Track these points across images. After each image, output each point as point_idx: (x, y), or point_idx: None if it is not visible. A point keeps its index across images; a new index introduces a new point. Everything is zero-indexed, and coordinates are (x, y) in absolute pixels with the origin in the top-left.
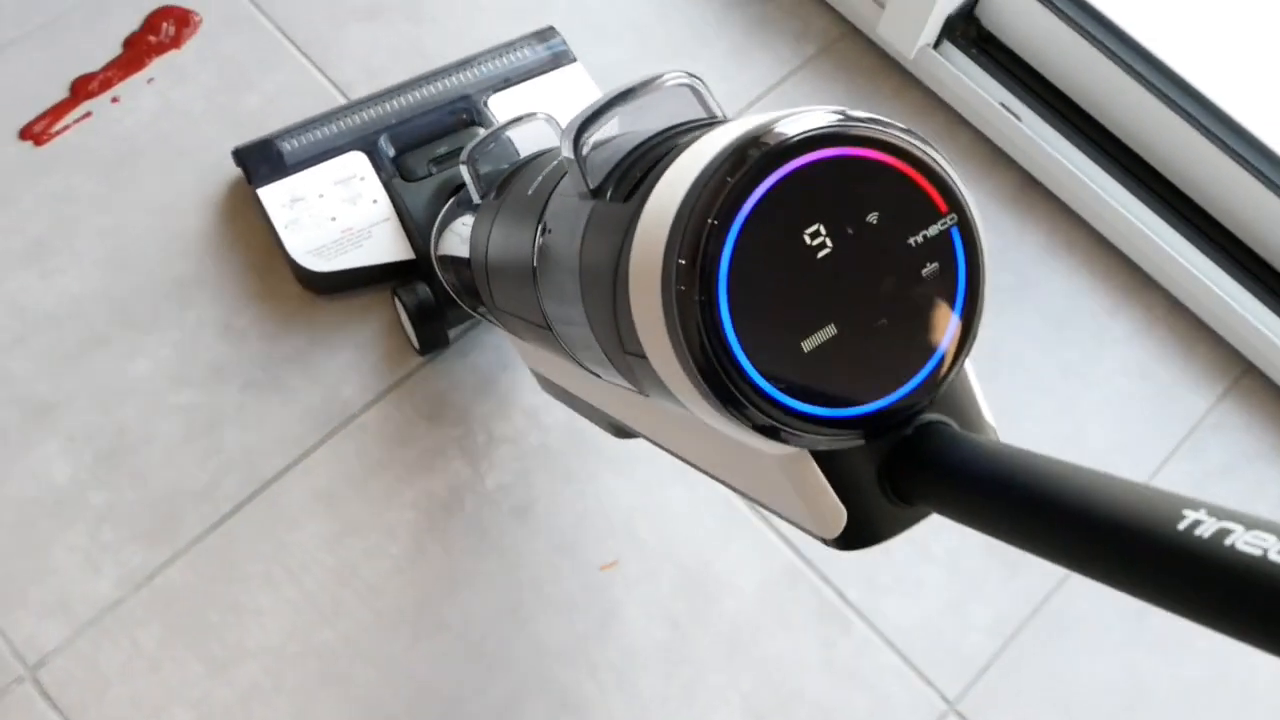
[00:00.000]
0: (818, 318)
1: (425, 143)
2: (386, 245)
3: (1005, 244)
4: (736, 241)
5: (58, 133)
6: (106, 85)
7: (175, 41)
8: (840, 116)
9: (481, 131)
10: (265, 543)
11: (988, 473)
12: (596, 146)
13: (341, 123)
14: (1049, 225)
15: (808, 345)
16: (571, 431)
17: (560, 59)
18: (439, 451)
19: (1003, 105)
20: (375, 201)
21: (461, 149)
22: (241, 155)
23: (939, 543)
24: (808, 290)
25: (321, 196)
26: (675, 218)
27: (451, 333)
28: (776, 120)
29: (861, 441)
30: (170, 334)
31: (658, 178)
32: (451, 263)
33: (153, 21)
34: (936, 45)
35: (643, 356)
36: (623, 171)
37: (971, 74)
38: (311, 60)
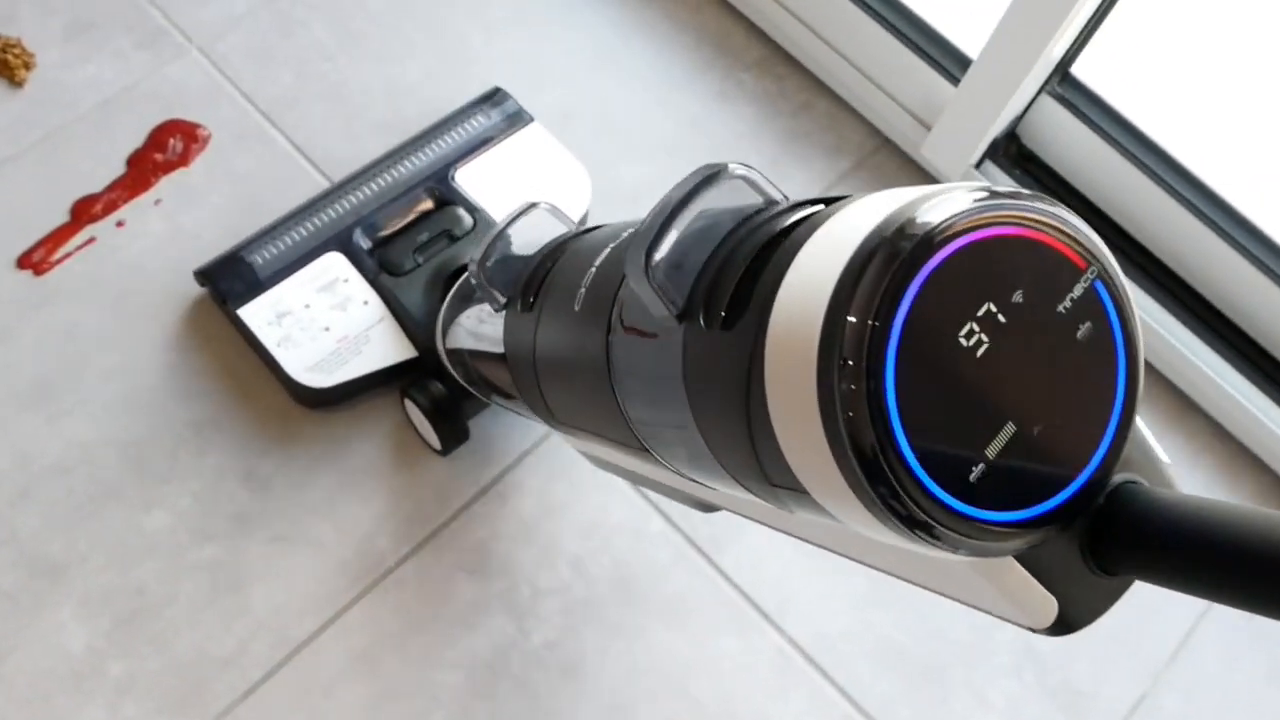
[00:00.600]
0: (994, 419)
1: (400, 231)
2: (387, 347)
3: None
4: (899, 347)
5: (59, 261)
6: (111, 208)
7: (183, 159)
8: (987, 196)
9: (462, 213)
10: (299, 713)
11: (1192, 531)
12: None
13: (309, 223)
14: None
15: (992, 451)
16: (617, 581)
17: (516, 120)
18: (482, 607)
19: None
20: (366, 303)
21: (443, 232)
22: (208, 275)
23: (995, 688)
24: (975, 391)
25: (308, 307)
26: (824, 332)
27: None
28: (914, 205)
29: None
30: (190, 483)
31: (771, 291)
32: (465, 356)
33: (158, 137)
34: (979, 165)
35: (798, 490)
36: (710, 287)
37: None
38: (328, 177)
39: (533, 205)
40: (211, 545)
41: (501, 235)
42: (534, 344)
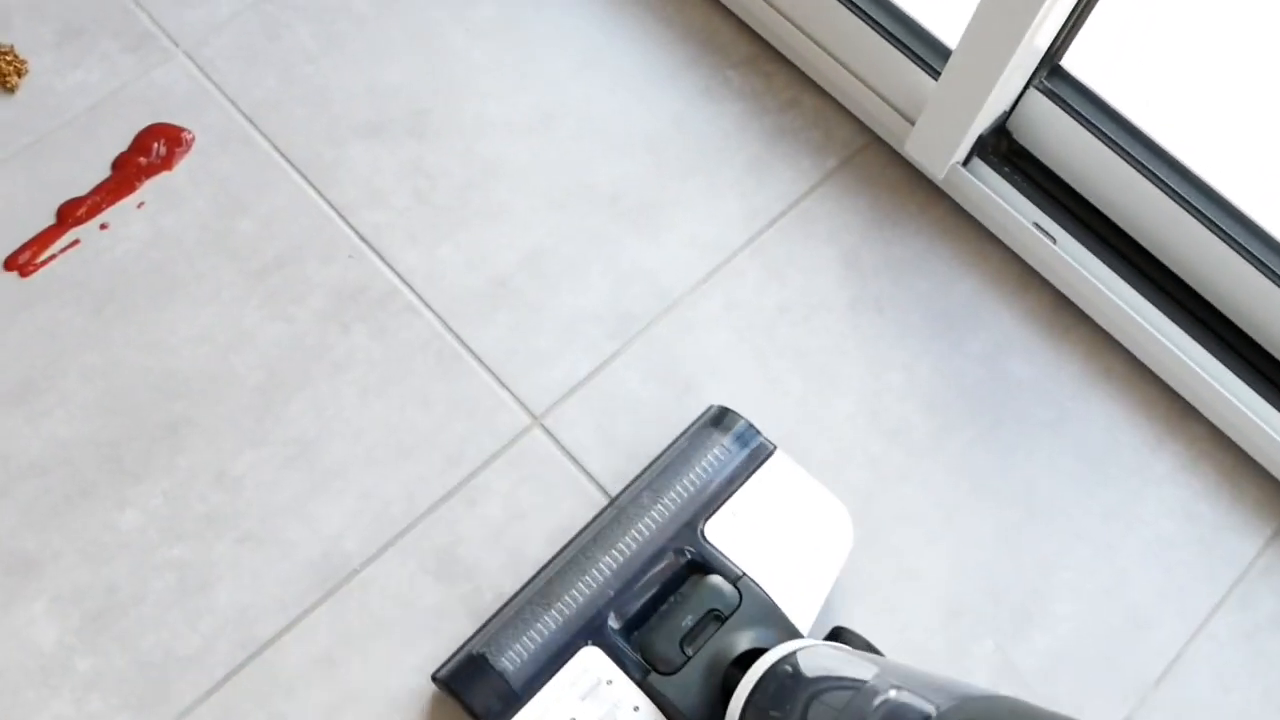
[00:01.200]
0: None
1: (654, 605)
2: None
3: (1040, 373)
4: None
5: (44, 263)
6: (95, 211)
7: (166, 162)
8: None
9: (723, 584)
10: (260, 712)
11: None
12: None
13: (556, 611)
14: (1085, 350)
15: None
16: None
17: (759, 452)
18: (445, 613)
19: (1036, 225)
20: (637, 709)
21: (709, 612)
22: (452, 685)
23: None
24: None
25: None
26: None
27: None
28: None
29: None
30: (161, 482)
31: None
32: None
33: (142, 141)
34: (966, 162)
35: None
36: None
37: (1003, 192)
38: (309, 181)
39: (812, 646)
40: (180, 545)
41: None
42: None
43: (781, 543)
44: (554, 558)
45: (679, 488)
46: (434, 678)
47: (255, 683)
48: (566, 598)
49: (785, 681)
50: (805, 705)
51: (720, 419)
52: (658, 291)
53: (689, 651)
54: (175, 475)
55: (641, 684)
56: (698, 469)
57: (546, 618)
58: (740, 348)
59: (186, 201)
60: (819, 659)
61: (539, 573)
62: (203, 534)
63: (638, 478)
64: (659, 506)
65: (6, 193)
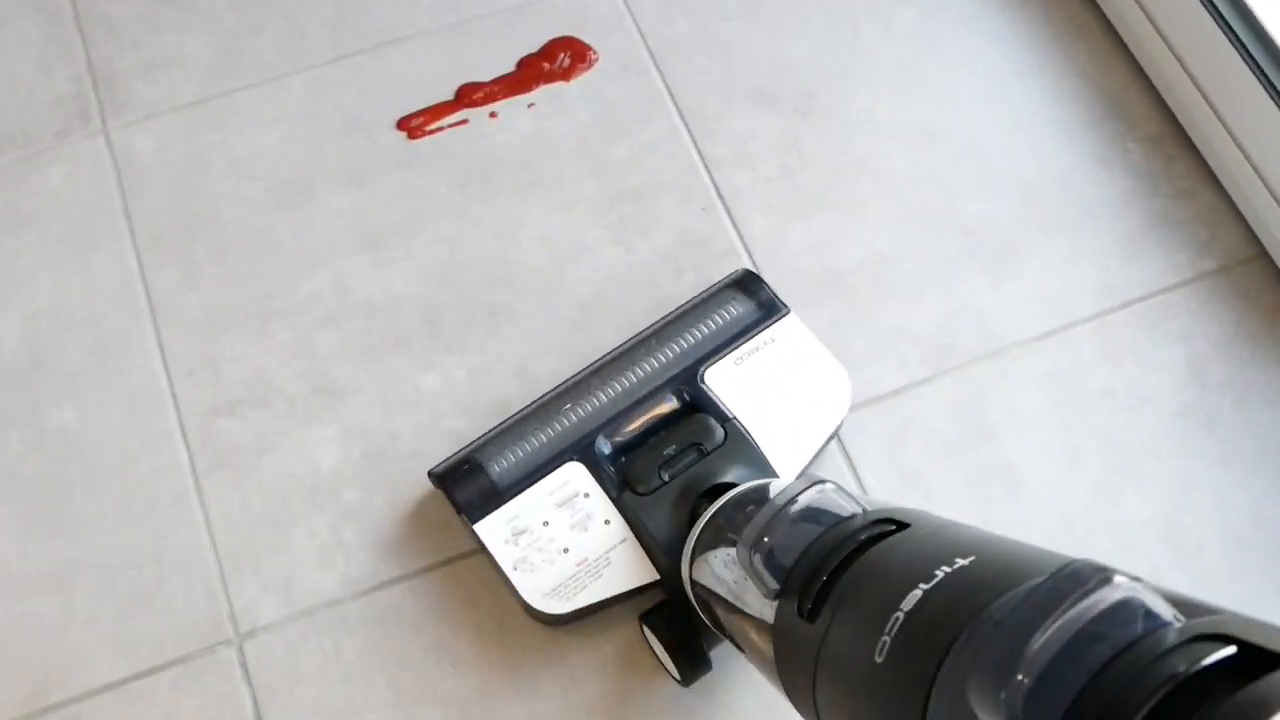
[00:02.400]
0: None
1: (644, 438)
2: (628, 571)
3: None
4: None
5: (431, 131)
6: (490, 99)
7: (566, 74)
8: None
9: (713, 424)
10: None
11: None
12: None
13: (550, 428)
14: None
15: None
16: None
17: (772, 311)
18: None
19: None
20: (608, 522)
21: (692, 445)
22: (444, 481)
23: None
24: None
25: (546, 524)
26: None
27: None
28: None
29: None
30: (469, 358)
31: None
32: (712, 599)
33: (551, 49)
34: None
35: None
36: None
37: None
38: (689, 127)
39: (820, 483)
40: (465, 419)
41: (780, 516)
42: (814, 668)
43: (777, 397)
44: (559, 385)
45: (687, 334)
46: (430, 474)
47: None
48: (562, 417)
49: (749, 508)
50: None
51: (742, 279)
52: (986, 334)
53: (665, 477)
54: (483, 356)
55: (616, 500)
56: (708, 320)
57: (541, 432)
58: (1051, 416)
59: (572, 114)
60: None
61: (543, 396)
62: (488, 418)
63: (657, 325)
64: (665, 349)
65: (420, 61)
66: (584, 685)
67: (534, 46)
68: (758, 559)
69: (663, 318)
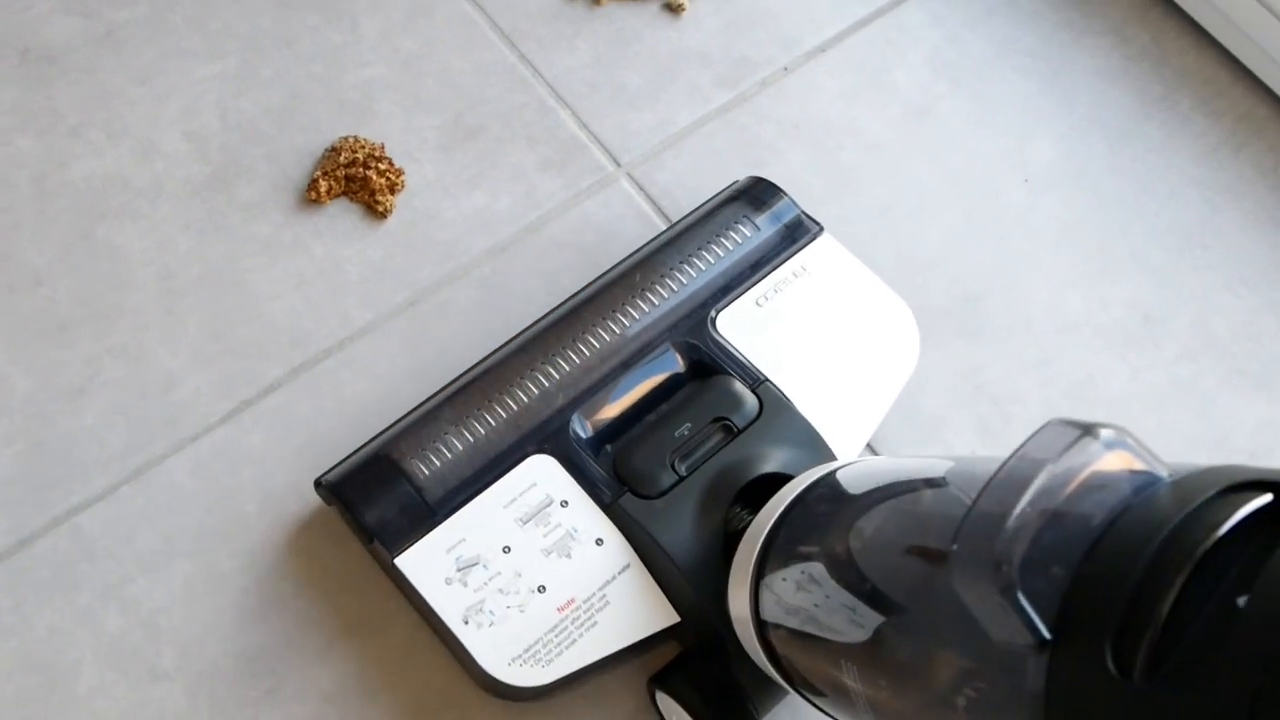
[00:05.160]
0: None
1: (640, 415)
2: (634, 614)
3: None
4: None
5: None
6: None
7: None
8: None
9: (740, 389)
10: None
11: None
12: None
13: (496, 407)
14: None
15: None
16: None
17: (798, 231)
18: None
19: None
20: (600, 543)
21: (717, 420)
22: (342, 494)
23: None
24: None
25: (508, 550)
26: None
27: None
28: None
29: None
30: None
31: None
32: (790, 637)
33: None
34: None
35: None
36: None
37: None
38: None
39: (1087, 432)
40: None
41: (1045, 494)
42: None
43: (818, 347)
44: (504, 344)
45: (686, 266)
46: (318, 484)
47: None
48: (515, 390)
49: (823, 508)
50: (853, 522)
51: (751, 189)
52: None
53: (681, 470)
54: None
55: (610, 509)
56: (714, 246)
57: (483, 413)
58: None
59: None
60: (868, 472)
61: (483, 360)
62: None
63: (644, 253)
64: (656, 287)
65: None
66: None
67: None
68: (1017, 582)
69: (647, 243)
